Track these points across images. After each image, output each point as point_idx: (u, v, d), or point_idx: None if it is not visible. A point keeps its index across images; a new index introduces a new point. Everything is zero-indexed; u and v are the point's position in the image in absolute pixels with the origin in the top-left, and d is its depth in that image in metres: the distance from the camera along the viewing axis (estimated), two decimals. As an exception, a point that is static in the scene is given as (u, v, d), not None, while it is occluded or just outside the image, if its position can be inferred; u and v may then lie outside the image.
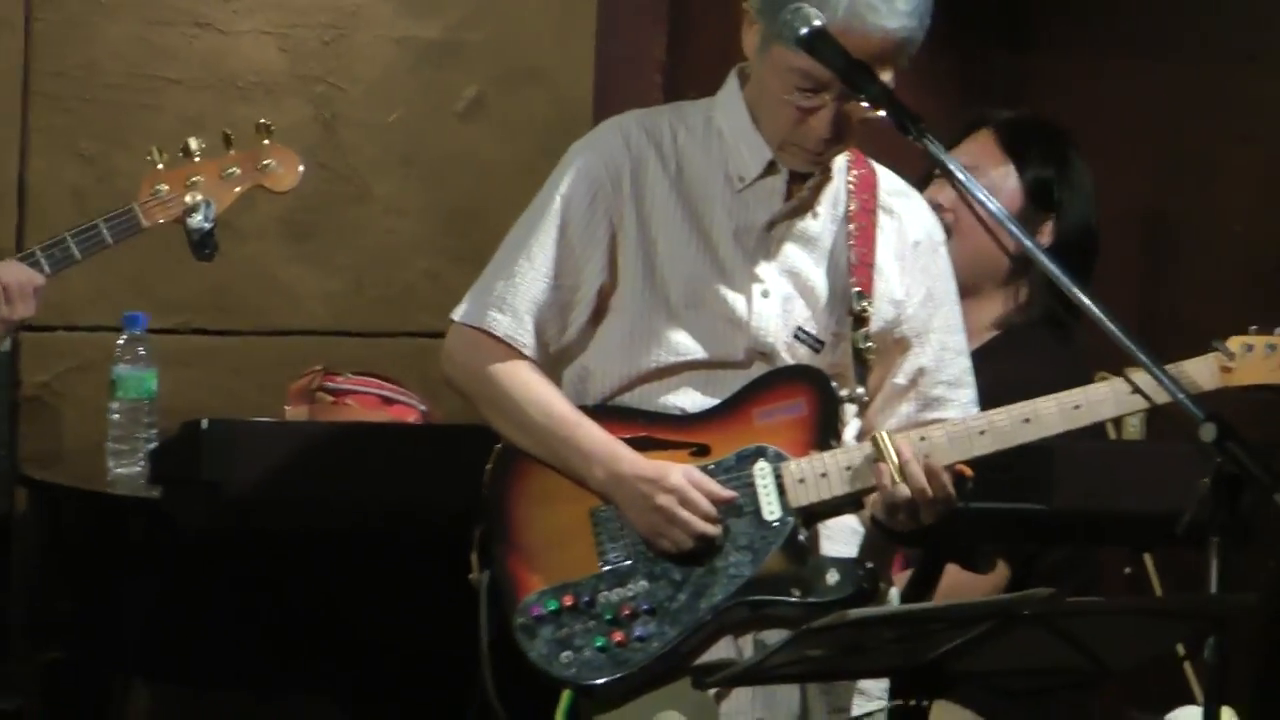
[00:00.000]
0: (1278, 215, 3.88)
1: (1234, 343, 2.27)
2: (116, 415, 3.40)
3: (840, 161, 2.40)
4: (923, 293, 2.43)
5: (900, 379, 2.43)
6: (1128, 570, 3.56)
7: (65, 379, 3.88)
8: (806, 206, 2.39)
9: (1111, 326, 2.08)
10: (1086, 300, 2.12)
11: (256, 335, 4.04)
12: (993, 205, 2.29)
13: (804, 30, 2.19)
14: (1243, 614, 1.97)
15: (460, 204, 4.13)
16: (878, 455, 2.24)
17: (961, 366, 2.46)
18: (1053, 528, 2.81)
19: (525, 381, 2.36)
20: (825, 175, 2.38)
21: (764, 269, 2.36)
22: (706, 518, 2.26)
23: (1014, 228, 2.28)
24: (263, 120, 3.07)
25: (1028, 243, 2.25)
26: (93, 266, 3.12)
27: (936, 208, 2.71)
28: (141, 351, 3.39)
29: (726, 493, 2.28)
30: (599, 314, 2.39)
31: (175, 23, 3.93)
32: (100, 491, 3.37)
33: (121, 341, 3.44)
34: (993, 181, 2.93)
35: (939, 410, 2.41)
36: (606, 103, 4.19)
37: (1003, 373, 2.66)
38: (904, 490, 2.22)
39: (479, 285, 2.41)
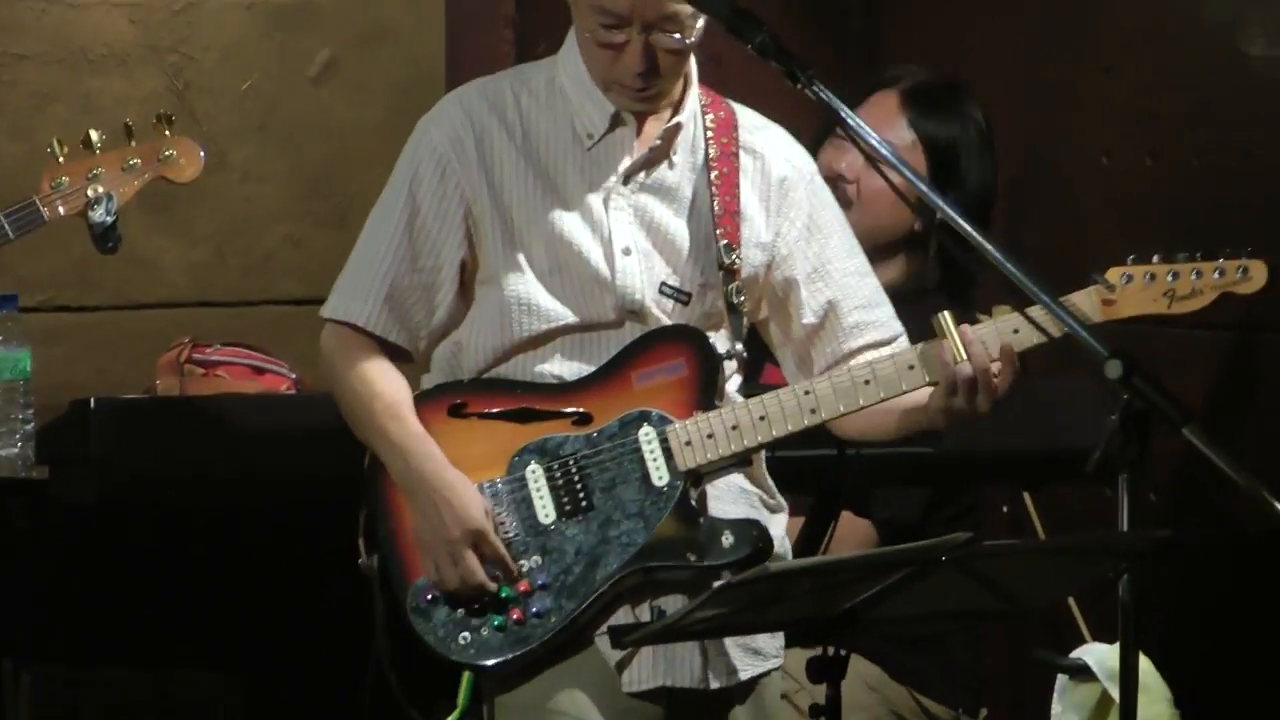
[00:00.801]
0: (1142, 145, 3.82)
1: (1113, 274, 2.26)
2: (-9, 397, 3.34)
3: (694, 105, 2.36)
4: (799, 228, 2.38)
5: (810, 318, 2.39)
6: (1005, 509, 3.64)
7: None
8: (661, 156, 2.34)
9: (1013, 270, 2.10)
10: (991, 247, 2.13)
11: (121, 309, 3.99)
12: (902, 168, 2.24)
13: None
14: (1157, 549, 1.96)
15: (318, 168, 4.13)
16: (941, 334, 2.20)
17: (871, 286, 2.42)
18: (943, 469, 2.85)
19: (362, 370, 2.32)
20: (675, 121, 2.33)
21: (622, 225, 2.32)
22: (493, 574, 2.24)
23: (925, 188, 2.25)
24: (163, 110, 3.03)
25: (942, 204, 2.21)
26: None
27: (837, 178, 2.79)
28: (14, 331, 3.32)
29: (513, 565, 2.25)
30: (466, 290, 2.35)
31: (24, -3, 3.87)
32: (-22, 475, 3.30)
33: (-8, 322, 3.38)
34: (895, 147, 2.60)
35: (863, 336, 2.38)
36: (458, 61, 4.19)
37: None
38: (967, 368, 2.19)
39: (341, 278, 2.38)
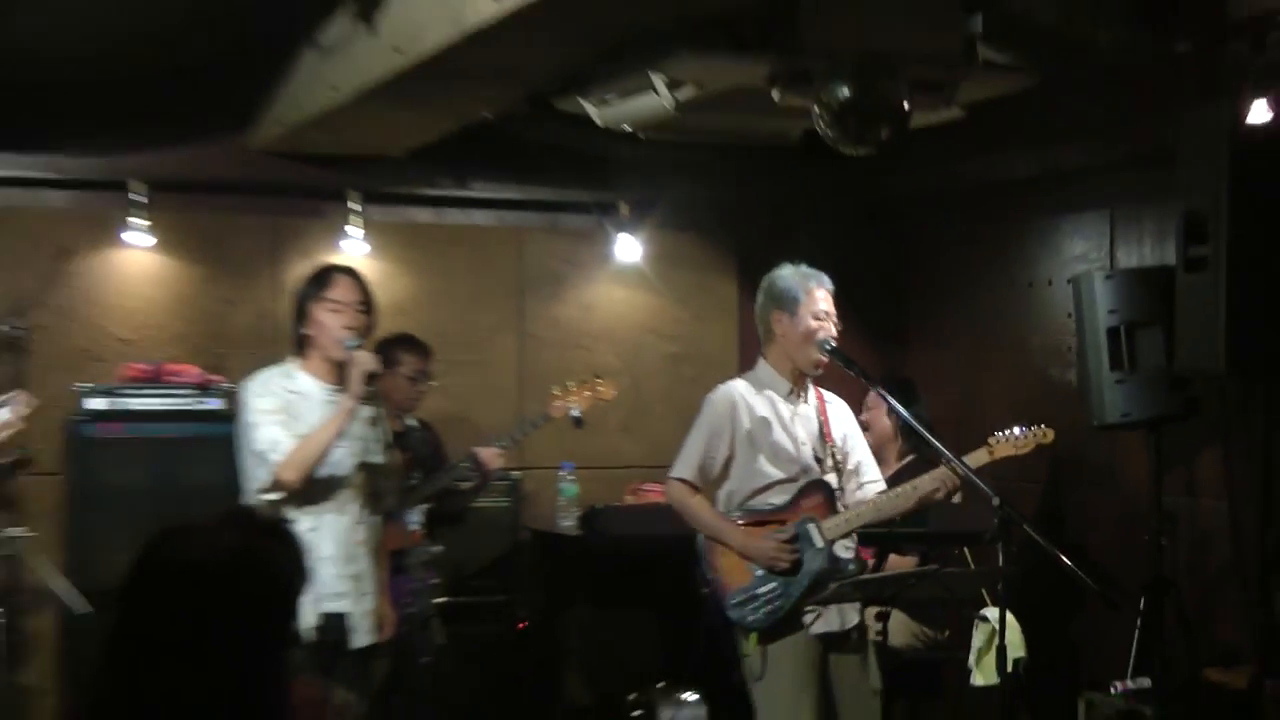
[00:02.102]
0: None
1: (994, 438, 5.24)
2: None
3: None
4: (846, 432, 5.32)
5: (851, 467, 5.26)
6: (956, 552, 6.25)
7: None
8: (803, 401, 5.25)
9: (940, 447, 4.99)
10: (935, 441, 5.02)
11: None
12: (900, 411, 5.41)
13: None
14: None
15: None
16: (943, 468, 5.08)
17: (869, 457, 5.40)
18: (929, 536, 5.75)
19: (699, 503, 5.18)
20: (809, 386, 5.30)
21: (799, 432, 5.17)
22: (783, 555, 5.01)
23: (908, 418, 5.32)
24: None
25: (918, 426, 5.21)
26: None
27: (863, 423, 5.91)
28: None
29: (785, 538, 5.06)
30: (728, 464, 5.15)
31: None
32: None
33: None
34: (879, 418, 6.47)
35: (864, 475, 5.30)
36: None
37: (903, 480, 5.26)
38: (948, 487, 5.10)
39: (679, 460, 5.19)
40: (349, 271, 4.95)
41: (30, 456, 6.18)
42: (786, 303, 5.08)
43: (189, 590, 2.24)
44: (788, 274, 5.15)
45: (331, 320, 4.75)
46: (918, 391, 6.48)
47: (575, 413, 6.25)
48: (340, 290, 4.80)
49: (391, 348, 6.01)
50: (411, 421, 6.13)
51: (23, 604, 6.14)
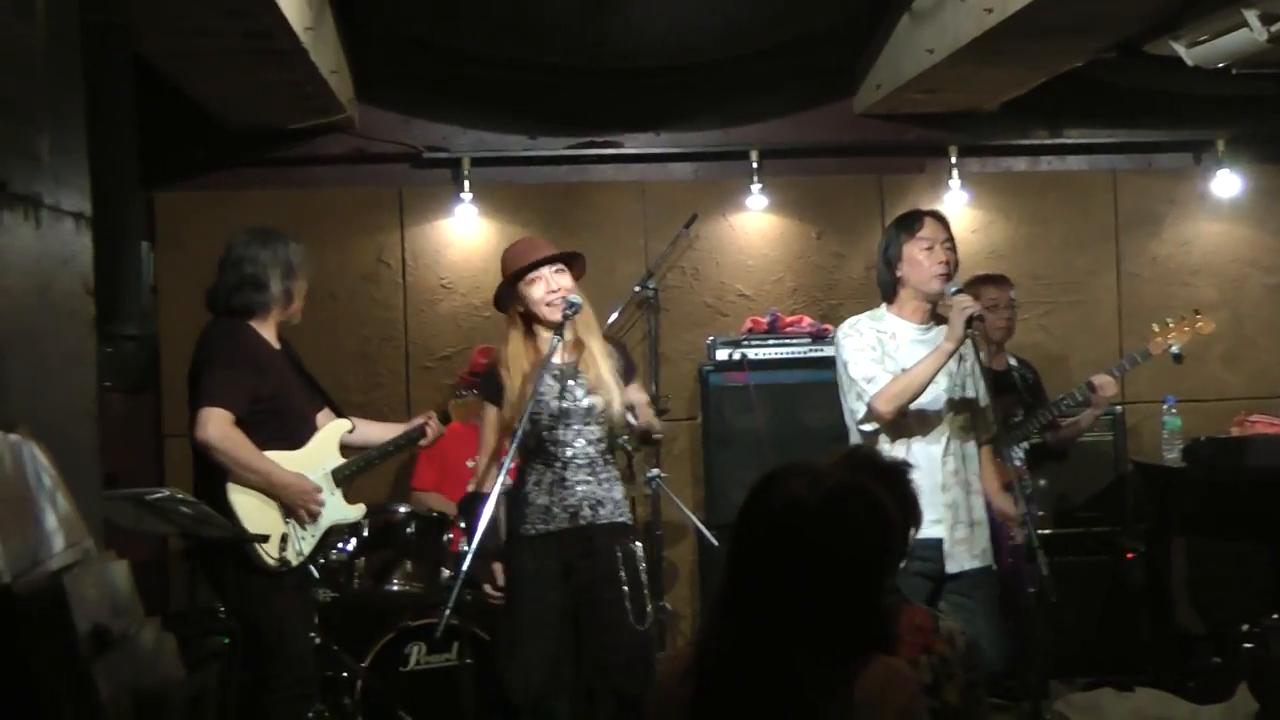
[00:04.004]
0: None
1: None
2: None
3: None
4: None
5: None
6: None
7: None
8: None
9: None
10: None
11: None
12: None
13: None
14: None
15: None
16: None
17: None
18: None
19: None
20: None
21: None
22: None
23: None
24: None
25: None
26: None
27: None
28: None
29: None
30: None
31: None
32: None
33: None
34: None
35: None
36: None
37: None
38: None
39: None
40: (933, 213, 5.19)
41: (668, 406, 6.83)
42: None
43: (788, 523, 2.41)
44: None
45: (925, 257, 5.00)
46: None
47: (1175, 349, 6.26)
48: (929, 229, 5.04)
49: (972, 285, 6.21)
50: (1012, 360, 6.33)
51: (663, 538, 6.77)
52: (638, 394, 5.04)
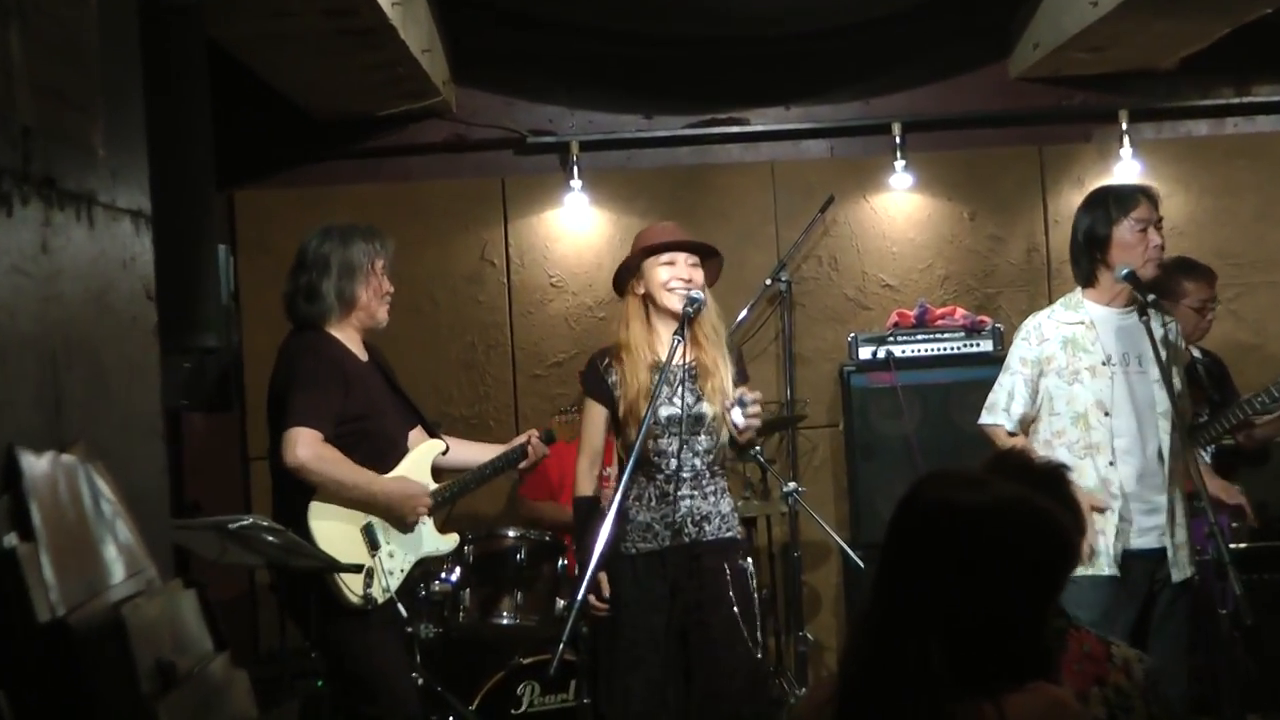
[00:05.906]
0: None
1: None
2: None
3: None
4: None
5: None
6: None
7: None
8: None
9: None
10: None
11: None
12: None
13: None
14: None
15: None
16: None
17: None
18: None
19: None
20: None
21: None
22: None
23: None
24: None
25: None
26: None
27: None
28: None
29: None
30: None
31: None
32: None
33: None
34: None
35: None
36: None
37: None
38: None
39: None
40: (1145, 189, 5.12)
41: (806, 412, 6.79)
42: None
43: (946, 535, 2.37)
44: None
45: (1138, 240, 4.93)
46: None
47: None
48: (1144, 209, 4.97)
49: (1171, 275, 6.06)
50: (1195, 352, 6.17)
51: (802, 560, 6.72)
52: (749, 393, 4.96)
